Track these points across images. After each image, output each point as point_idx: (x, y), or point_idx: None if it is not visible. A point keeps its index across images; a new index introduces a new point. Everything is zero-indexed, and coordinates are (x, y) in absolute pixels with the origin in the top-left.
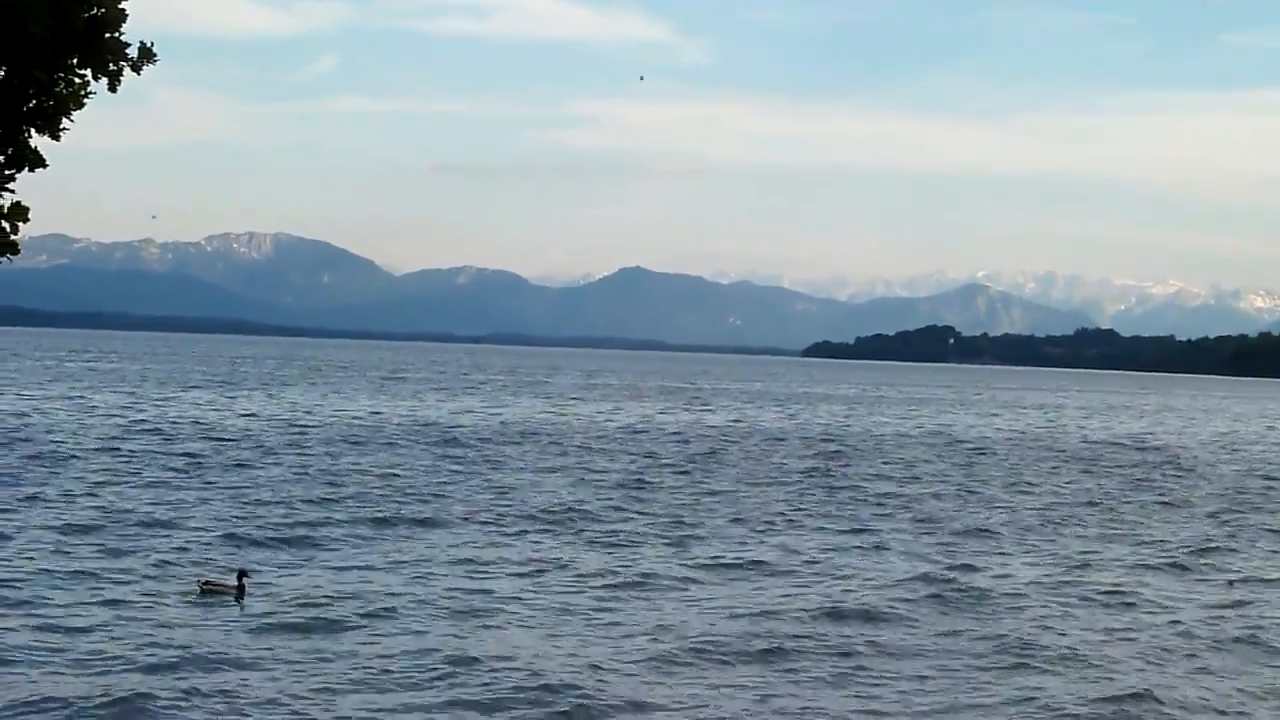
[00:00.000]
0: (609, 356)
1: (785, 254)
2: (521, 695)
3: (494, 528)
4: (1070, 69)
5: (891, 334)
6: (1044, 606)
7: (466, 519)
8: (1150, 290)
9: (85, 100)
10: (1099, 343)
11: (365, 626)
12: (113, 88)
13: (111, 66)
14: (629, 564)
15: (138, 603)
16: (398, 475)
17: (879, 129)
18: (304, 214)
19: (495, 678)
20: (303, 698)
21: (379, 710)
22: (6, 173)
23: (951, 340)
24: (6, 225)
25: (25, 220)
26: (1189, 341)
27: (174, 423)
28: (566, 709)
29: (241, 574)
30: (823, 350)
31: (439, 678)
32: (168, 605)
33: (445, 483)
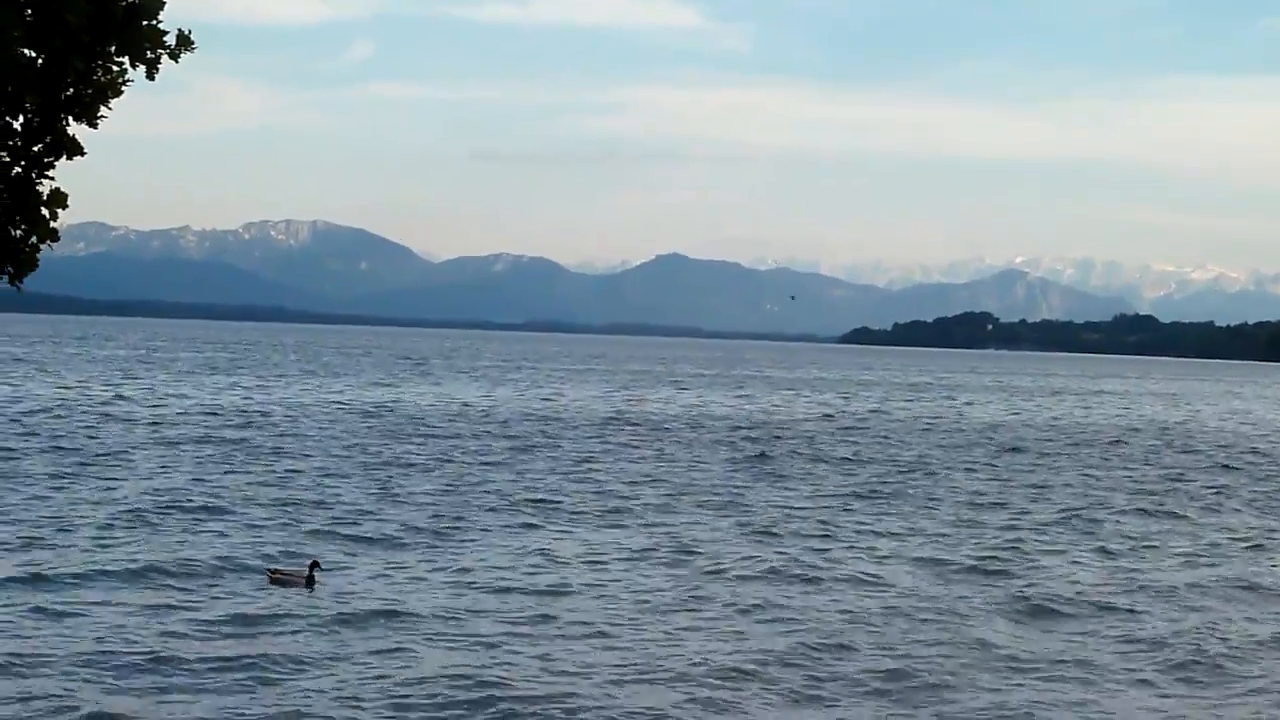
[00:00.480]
0: (657, 345)
1: (823, 240)
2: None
3: (584, 518)
4: (1107, 54)
5: (929, 321)
6: None
7: (555, 509)
8: (1189, 275)
9: (123, 88)
10: (1138, 329)
11: (437, 618)
12: (150, 76)
13: (149, 54)
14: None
15: (206, 592)
16: (475, 465)
17: (917, 115)
18: (341, 201)
19: (587, 671)
20: (370, 688)
21: (448, 704)
22: (45, 160)
23: (990, 327)
24: (45, 213)
25: (63, 208)
26: (1228, 327)
27: (244, 410)
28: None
29: (313, 564)
30: (860, 337)
31: (510, 673)
32: (237, 594)
33: (526, 472)
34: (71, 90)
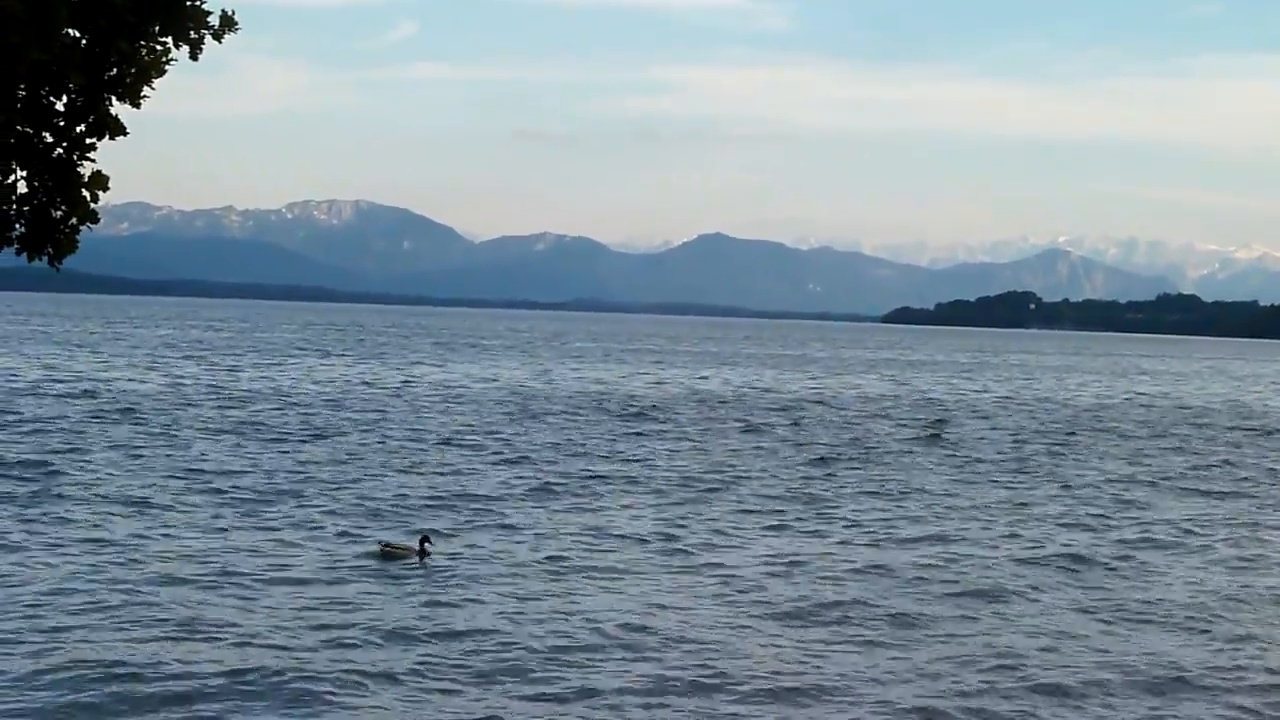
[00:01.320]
0: (705, 325)
1: (866, 220)
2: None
3: (676, 495)
4: (1152, 32)
5: (972, 300)
6: None
7: (648, 485)
8: (1233, 255)
9: (166, 68)
10: (1181, 308)
11: (549, 591)
12: (194, 56)
13: (193, 34)
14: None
15: (317, 565)
16: (569, 442)
17: (961, 93)
18: (384, 181)
19: (696, 647)
20: (484, 659)
21: (561, 677)
22: (87, 141)
23: (1033, 306)
24: (87, 194)
25: (106, 189)
26: (1273, 306)
27: (328, 388)
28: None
29: (424, 539)
30: (903, 316)
31: (624, 647)
32: (348, 566)
33: (621, 448)
34: (115, 70)
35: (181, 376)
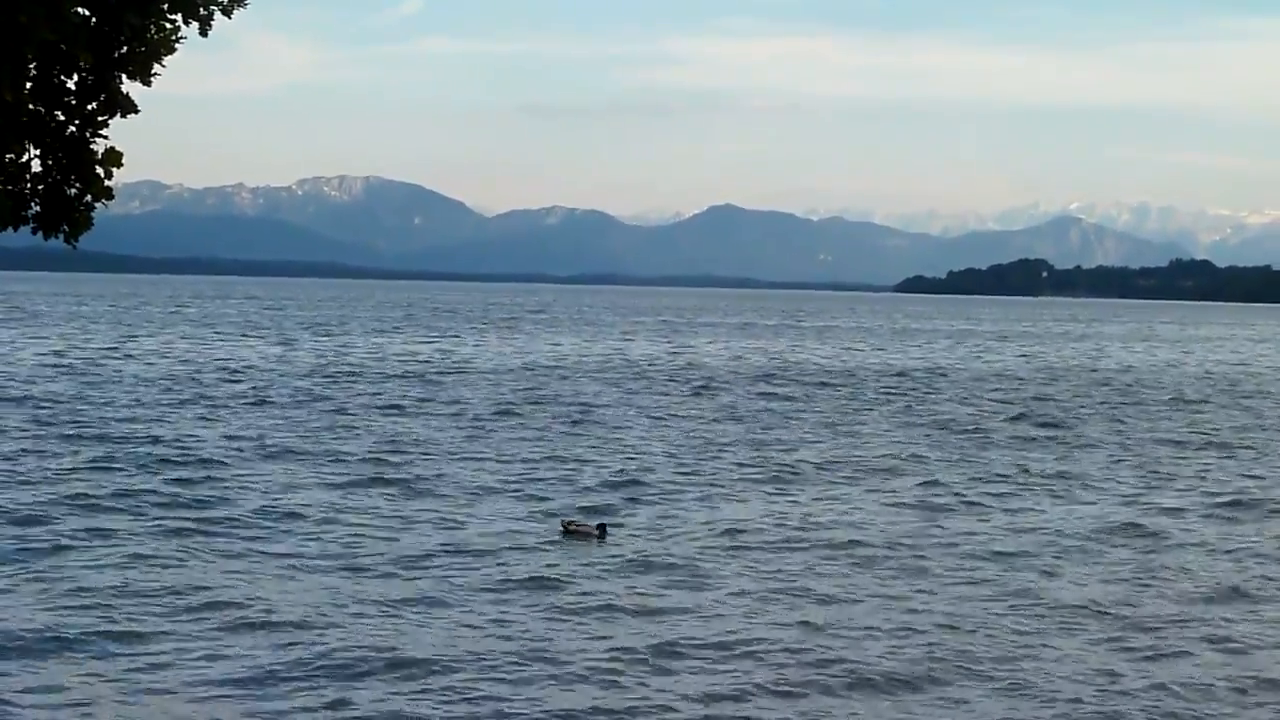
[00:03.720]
0: (731, 297)
1: (877, 189)
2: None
3: (851, 474)
4: None
5: (984, 268)
6: None
7: (825, 466)
8: (1246, 220)
9: (176, 45)
10: (1193, 274)
11: (726, 577)
12: (204, 32)
13: (202, 11)
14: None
15: (499, 542)
16: (738, 422)
17: (970, 61)
18: (394, 156)
19: (900, 628)
20: (653, 644)
21: (733, 666)
22: (99, 119)
23: (1045, 274)
24: (100, 171)
25: (118, 166)
26: None
27: (485, 369)
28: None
29: (602, 527)
30: (915, 286)
31: (807, 631)
32: (533, 542)
33: (789, 427)
34: (125, 48)
35: (331, 351)
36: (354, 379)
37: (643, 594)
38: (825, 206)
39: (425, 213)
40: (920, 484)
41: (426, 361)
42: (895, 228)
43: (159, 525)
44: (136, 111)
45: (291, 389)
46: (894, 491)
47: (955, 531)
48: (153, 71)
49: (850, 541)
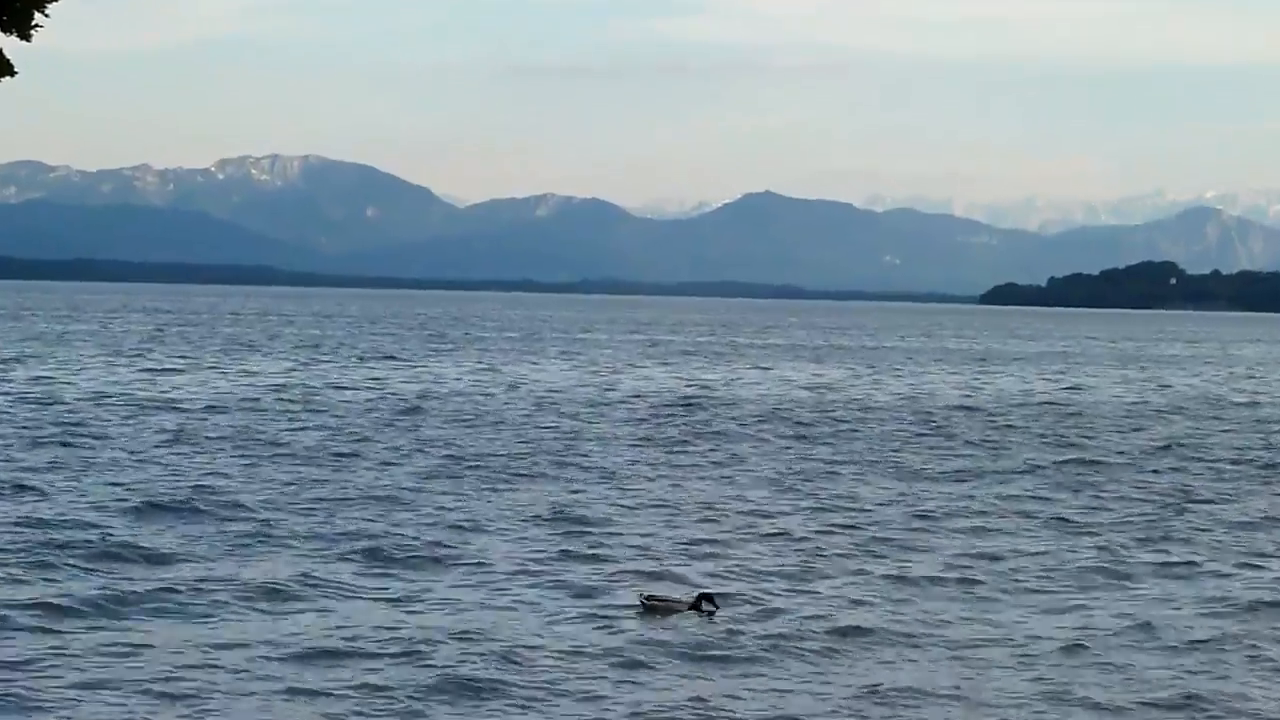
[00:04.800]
0: (783, 310)
1: (957, 172)
2: None
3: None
4: None
5: (1095, 273)
6: None
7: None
8: None
9: None
10: None
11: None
12: None
13: None
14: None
15: (569, 617)
16: (849, 460)
17: (1077, 8)
18: (341, 131)
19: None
20: None
21: None
22: None
23: (1173, 280)
24: None
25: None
26: None
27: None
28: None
29: (702, 598)
30: (1007, 295)
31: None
32: (607, 620)
33: (934, 465)
34: None
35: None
36: (312, 413)
37: (778, 684)
38: (891, 194)
39: (381, 202)
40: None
41: (395, 395)
42: (981, 221)
43: None
44: (13, 74)
45: (225, 426)
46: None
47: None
48: (33, 23)
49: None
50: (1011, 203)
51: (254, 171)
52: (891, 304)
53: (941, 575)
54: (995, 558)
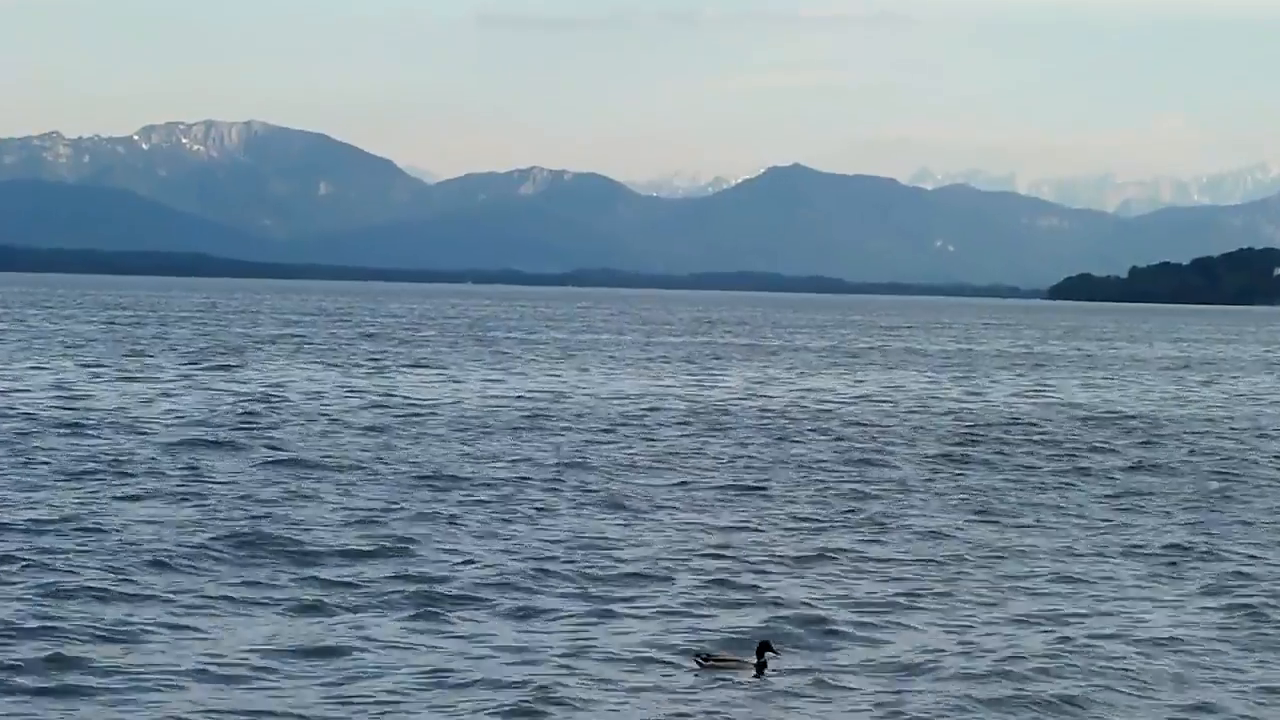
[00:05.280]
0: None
1: (1021, 142)
2: None
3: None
4: None
5: (1185, 262)
6: None
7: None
8: None
9: None
10: None
11: None
12: None
13: None
14: None
15: (618, 680)
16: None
17: None
18: (289, 94)
19: None
20: None
21: None
22: None
23: (1278, 271)
24: None
25: None
26: None
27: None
28: None
29: (764, 646)
30: (1080, 289)
31: None
32: (656, 683)
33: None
34: None
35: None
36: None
37: None
38: (944, 169)
39: (336, 177)
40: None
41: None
42: (1050, 200)
43: None
44: None
45: (154, 451)
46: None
47: None
48: None
49: None
50: (1085, 178)
51: (185, 141)
52: (944, 299)
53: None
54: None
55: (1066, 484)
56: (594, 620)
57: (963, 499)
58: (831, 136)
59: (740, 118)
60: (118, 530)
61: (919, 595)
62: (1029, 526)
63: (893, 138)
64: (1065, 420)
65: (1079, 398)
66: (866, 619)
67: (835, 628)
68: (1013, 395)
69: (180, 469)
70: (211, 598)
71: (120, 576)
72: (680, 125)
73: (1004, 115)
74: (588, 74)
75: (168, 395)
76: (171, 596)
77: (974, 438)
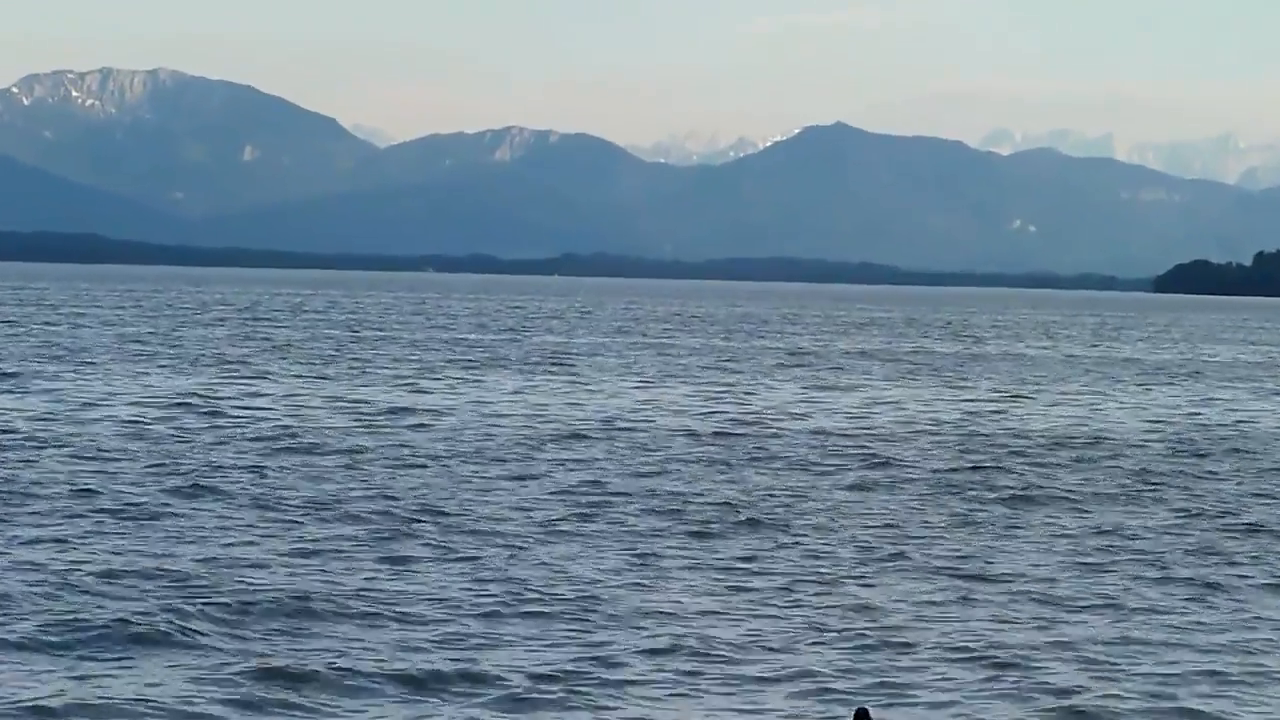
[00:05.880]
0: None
1: (1118, 95)
2: None
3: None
4: None
5: None
6: None
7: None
8: None
9: None
10: None
11: None
12: None
13: None
14: None
15: None
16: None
17: None
18: (206, 37)
19: None
20: None
21: None
22: None
23: None
24: None
25: None
26: None
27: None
28: None
29: (862, 714)
30: (1194, 278)
31: None
32: None
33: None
34: None
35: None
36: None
37: None
38: (1023, 129)
39: (265, 139)
40: None
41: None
42: (1156, 169)
43: None
44: None
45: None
46: None
47: None
48: None
49: None
50: (1200, 142)
51: (76, 94)
52: (1021, 291)
53: None
54: None
55: None
56: None
57: None
58: (883, 89)
59: (769, 65)
60: None
61: None
62: None
63: (960, 91)
64: None
65: None
66: None
67: None
68: None
69: None
70: None
71: None
72: (694, 74)
73: (1099, 62)
74: (577, 10)
75: None
76: None
77: None
